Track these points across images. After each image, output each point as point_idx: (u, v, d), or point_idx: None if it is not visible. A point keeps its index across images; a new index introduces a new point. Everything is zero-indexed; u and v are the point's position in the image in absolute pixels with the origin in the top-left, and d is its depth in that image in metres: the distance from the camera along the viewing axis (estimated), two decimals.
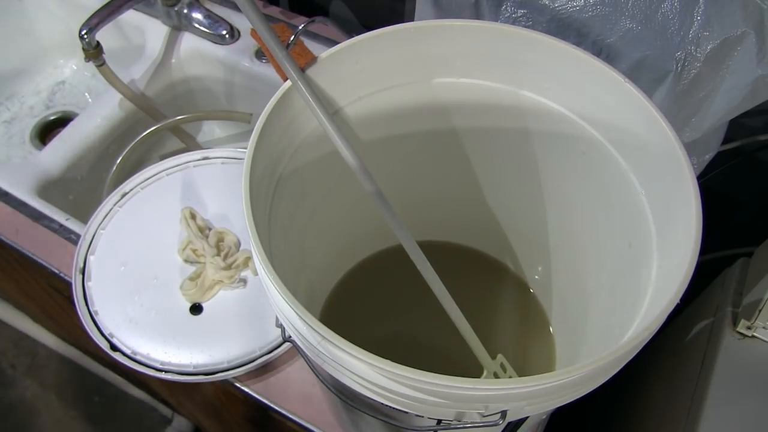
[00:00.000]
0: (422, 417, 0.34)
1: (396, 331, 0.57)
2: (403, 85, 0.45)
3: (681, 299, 0.32)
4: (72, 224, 0.66)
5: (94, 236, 0.61)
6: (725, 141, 0.54)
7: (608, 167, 0.42)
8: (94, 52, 0.72)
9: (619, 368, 0.33)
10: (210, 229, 0.62)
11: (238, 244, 0.61)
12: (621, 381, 0.41)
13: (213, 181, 0.65)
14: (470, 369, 0.47)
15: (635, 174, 0.40)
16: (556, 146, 0.46)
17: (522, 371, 0.49)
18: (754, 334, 0.52)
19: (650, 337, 0.32)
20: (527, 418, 0.36)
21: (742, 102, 0.47)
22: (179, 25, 0.82)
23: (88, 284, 0.58)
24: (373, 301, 0.58)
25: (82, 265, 0.59)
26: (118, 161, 0.75)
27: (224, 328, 0.56)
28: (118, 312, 0.56)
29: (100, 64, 0.74)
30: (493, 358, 0.47)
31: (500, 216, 0.56)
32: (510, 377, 0.47)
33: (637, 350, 0.32)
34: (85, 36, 0.70)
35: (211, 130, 0.93)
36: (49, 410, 1.29)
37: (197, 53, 0.83)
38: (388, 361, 0.29)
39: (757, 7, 0.44)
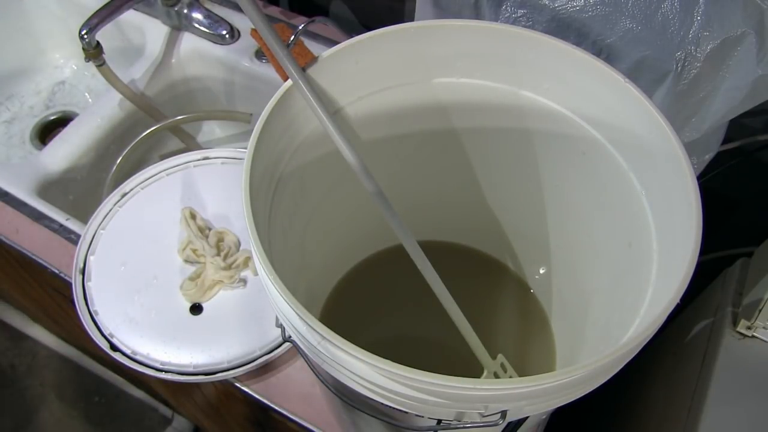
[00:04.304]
0: (422, 417, 0.34)
1: (396, 331, 0.57)
2: (403, 85, 0.45)
3: (681, 299, 0.32)
4: (72, 224, 0.66)
5: (94, 236, 0.61)
6: (725, 141, 0.54)
7: (608, 167, 0.42)
8: (94, 52, 0.72)
9: (619, 368, 0.33)
10: (210, 229, 0.62)
11: (238, 244, 0.61)
12: (621, 381, 0.41)
13: (213, 181, 0.65)
14: (470, 369, 0.47)
15: (635, 174, 0.40)
16: (556, 146, 0.46)
17: (522, 371, 0.49)
18: (754, 334, 0.52)
19: (650, 337, 0.32)
20: (527, 418, 0.36)
21: (742, 102, 0.47)
22: (179, 25, 0.82)
23: (88, 284, 0.58)
24: (373, 301, 0.58)
25: (82, 265, 0.59)
26: (118, 161, 0.75)
27: (224, 328, 0.56)
28: (118, 312, 0.56)
29: (100, 64, 0.74)
30: (494, 357, 0.47)
31: (500, 216, 0.55)
32: (510, 377, 0.47)
33: (637, 350, 0.32)
34: (85, 36, 0.70)
35: (211, 130, 0.93)
36: (49, 410, 1.29)
37: (197, 53, 0.83)
38: (388, 361, 0.29)
39: (757, 7, 0.44)
